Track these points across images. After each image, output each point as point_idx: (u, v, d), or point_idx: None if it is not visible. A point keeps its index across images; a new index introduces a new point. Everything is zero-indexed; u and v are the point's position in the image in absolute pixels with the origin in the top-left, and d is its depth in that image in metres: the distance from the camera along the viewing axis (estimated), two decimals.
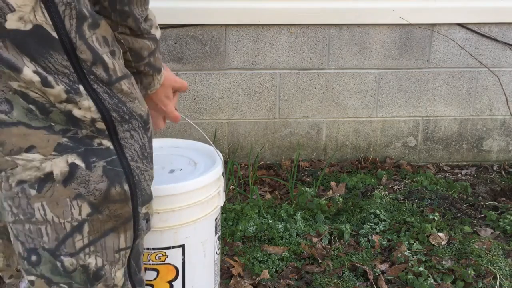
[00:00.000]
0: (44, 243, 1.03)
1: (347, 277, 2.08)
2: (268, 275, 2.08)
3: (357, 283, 2.06)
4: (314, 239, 2.32)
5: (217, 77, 3.02)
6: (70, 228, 1.03)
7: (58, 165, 0.98)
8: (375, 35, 3.02)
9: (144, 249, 1.44)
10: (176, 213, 1.43)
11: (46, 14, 0.90)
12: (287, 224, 2.38)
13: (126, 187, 1.05)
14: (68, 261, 1.05)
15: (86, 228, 1.04)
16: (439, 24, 3.01)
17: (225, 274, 2.08)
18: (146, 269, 1.47)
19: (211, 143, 1.62)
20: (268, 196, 2.72)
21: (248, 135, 3.12)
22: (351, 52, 3.04)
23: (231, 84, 3.04)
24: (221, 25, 2.95)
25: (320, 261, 2.17)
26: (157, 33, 1.17)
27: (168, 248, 1.45)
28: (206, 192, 1.48)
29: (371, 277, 2.08)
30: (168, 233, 1.44)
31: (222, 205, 1.56)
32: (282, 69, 3.04)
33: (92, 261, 1.07)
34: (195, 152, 1.64)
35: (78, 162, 0.99)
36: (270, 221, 2.40)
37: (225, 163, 2.89)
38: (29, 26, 0.90)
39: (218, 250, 1.62)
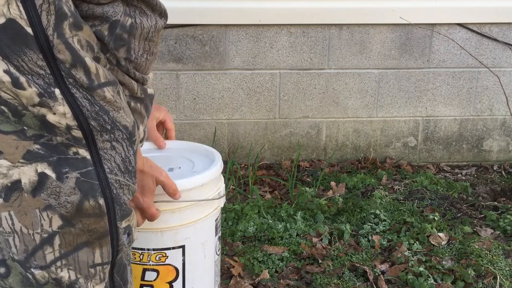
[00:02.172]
0: (13, 254, 0.97)
1: (347, 277, 2.08)
2: (268, 275, 2.07)
3: (357, 283, 2.06)
4: (314, 239, 2.31)
5: (217, 77, 3.02)
6: (40, 240, 0.96)
7: (27, 174, 0.92)
8: (375, 35, 3.02)
9: (144, 250, 1.43)
10: (176, 213, 1.42)
11: (21, 8, 0.83)
12: (287, 224, 2.38)
13: (101, 201, 0.97)
14: (39, 274, 0.98)
15: (57, 241, 0.97)
16: (439, 24, 3.01)
17: (225, 274, 2.08)
18: (146, 270, 1.46)
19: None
20: (268, 196, 2.72)
21: (248, 135, 3.12)
22: (351, 52, 3.04)
23: (231, 84, 3.04)
24: (221, 25, 2.95)
25: (320, 261, 2.17)
26: (150, 90, 1.09)
27: (168, 249, 1.44)
28: (207, 193, 1.47)
29: (371, 277, 2.08)
30: (168, 234, 1.43)
31: (222, 206, 1.55)
32: (282, 69, 3.04)
33: (65, 275, 1.00)
34: (193, 153, 1.63)
35: (49, 172, 0.92)
36: (270, 221, 2.40)
37: (225, 163, 2.89)
38: (2, 20, 0.83)
39: (218, 251, 1.61)
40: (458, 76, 3.11)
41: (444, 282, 2.06)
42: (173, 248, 1.45)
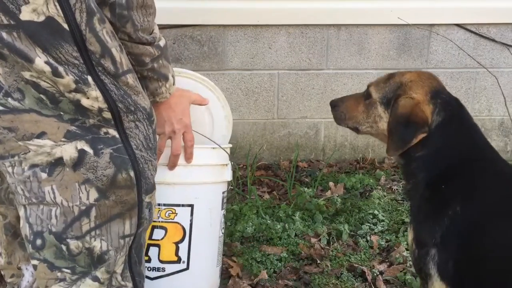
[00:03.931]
0: (52, 225, 1.07)
1: (346, 278, 2.08)
2: (267, 276, 2.07)
3: (356, 284, 2.06)
4: (313, 240, 2.32)
5: (215, 77, 3.02)
6: (78, 212, 1.07)
7: (68, 151, 1.02)
8: (373, 35, 3.02)
9: (156, 205, 1.52)
10: (188, 169, 1.51)
11: (58, 7, 0.94)
12: (286, 225, 2.38)
13: (132, 173, 1.09)
14: (74, 244, 1.08)
15: (93, 213, 1.08)
16: (438, 25, 3.01)
17: (224, 275, 2.07)
18: (154, 227, 1.53)
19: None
20: (267, 196, 2.72)
21: (247, 135, 3.12)
22: (349, 53, 3.04)
23: (229, 85, 3.04)
24: (219, 25, 2.95)
25: (318, 262, 2.17)
26: (161, 42, 1.20)
27: (178, 205, 1.52)
28: (217, 157, 1.59)
29: (369, 277, 2.08)
30: (179, 189, 1.52)
31: (229, 180, 1.66)
32: (281, 69, 3.04)
33: (97, 244, 1.10)
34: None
35: (87, 148, 1.04)
36: (268, 221, 2.40)
37: None
38: (41, 18, 0.93)
39: (222, 228, 1.69)
40: (457, 77, 3.11)
41: None
42: (183, 205, 1.53)
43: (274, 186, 2.86)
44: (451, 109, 1.45)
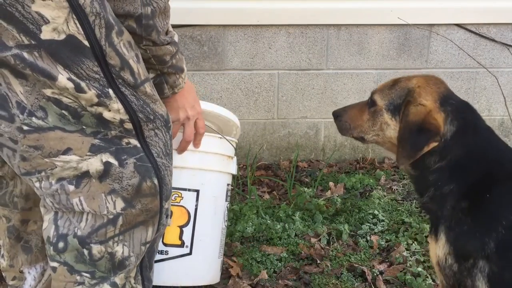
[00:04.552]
0: (79, 229, 1.11)
1: (346, 278, 2.08)
2: (267, 276, 2.08)
3: (356, 284, 2.06)
4: (313, 240, 2.32)
5: (215, 77, 3.02)
6: (106, 220, 1.11)
7: (94, 164, 1.05)
8: (373, 35, 3.02)
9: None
10: (196, 155, 1.53)
11: (78, 25, 0.96)
12: (286, 225, 2.38)
13: (155, 181, 1.12)
14: (96, 248, 1.12)
15: (120, 221, 1.11)
16: (438, 25, 3.01)
17: (224, 274, 2.08)
18: None
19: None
20: (267, 196, 2.72)
21: (247, 135, 3.12)
22: (349, 53, 3.04)
23: (229, 85, 3.04)
24: (219, 26, 2.95)
25: (318, 262, 2.17)
26: (175, 37, 1.22)
27: (185, 189, 1.55)
28: (223, 148, 1.61)
29: (369, 277, 2.08)
30: (186, 174, 1.55)
31: (234, 173, 1.69)
32: (281, 69, 3.04)
33: (120, 250, 1.13)
34: None
35: (112, 160, 1.07)
36: (268, 221, 2.40)
37: None
38: (62, 36, 0.96)
39: (225, 221, 1.71)
40: (457, 77, 3.11)
41: None
42: (189, 190, 1.56)
43: (274, 186, 2.86)
44: (464, 117, 1.42)
